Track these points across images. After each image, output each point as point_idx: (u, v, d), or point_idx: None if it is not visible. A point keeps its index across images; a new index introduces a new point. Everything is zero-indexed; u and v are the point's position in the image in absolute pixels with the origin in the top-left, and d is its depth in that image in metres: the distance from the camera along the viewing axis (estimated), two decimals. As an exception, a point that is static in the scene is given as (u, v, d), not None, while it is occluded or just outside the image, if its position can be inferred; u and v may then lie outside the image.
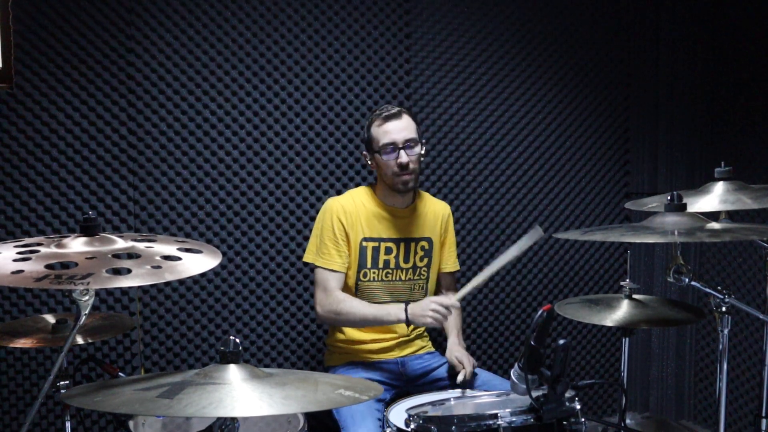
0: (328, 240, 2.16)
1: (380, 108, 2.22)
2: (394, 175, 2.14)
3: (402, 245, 2.23)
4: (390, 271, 2.22)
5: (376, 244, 2.20)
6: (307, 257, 2.22)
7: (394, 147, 2.12)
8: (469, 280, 2.80)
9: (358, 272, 2.20)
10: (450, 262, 2.38)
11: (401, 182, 2.15)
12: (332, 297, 2.14)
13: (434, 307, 2.03)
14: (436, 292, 2.37)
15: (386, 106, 2.20)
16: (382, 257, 2.21)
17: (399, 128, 2.14)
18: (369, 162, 2.24)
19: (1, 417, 2.33)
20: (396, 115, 2.15)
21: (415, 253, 2.26)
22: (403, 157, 2.12)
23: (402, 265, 2.24)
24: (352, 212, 2.19)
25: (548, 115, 2.93)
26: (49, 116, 2.30)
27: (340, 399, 1.24)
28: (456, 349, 2.21)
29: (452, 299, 2.08)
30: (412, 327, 2.26)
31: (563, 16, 2.92)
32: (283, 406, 1.15)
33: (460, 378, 2.10)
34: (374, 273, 2.21)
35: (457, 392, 2.00)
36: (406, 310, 2.07)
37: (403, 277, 2.24)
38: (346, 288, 2.20)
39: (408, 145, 2.13)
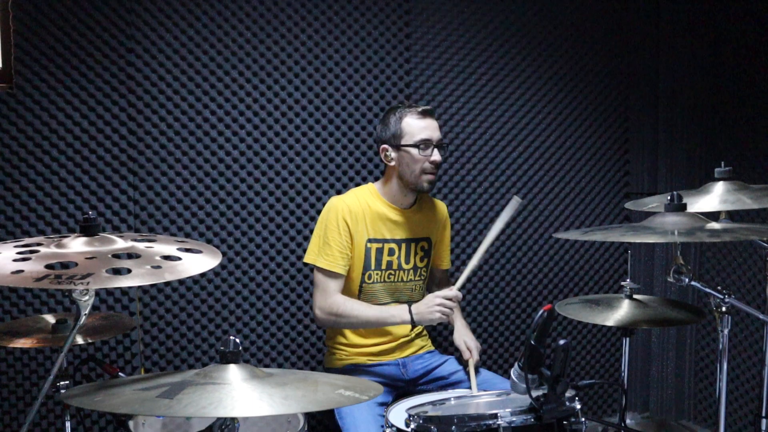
0: (332, 241, 2.13)
1: (404, 103, 2.18)
2: (422, 172, 2.12)
3: (404, 246, 2.23)
4: (392, 272, 2.22)
5: (380, 245, 2.19)
6: (308, 258, 2.17)
7: (429, 144, 2.11)
8: (474, 285, 2.83)
9: (363, 274, 2.18)
10: (445, 260, 2.40)
11: (427, 180, 2.14)
12: (332, 299, 2.11)
13: (439, 301, 2.02)
14: (428, 287, 2.37)
15: (412, 102, 2.17)
16: (385, 258, 2.20)
17: (435, 126, 2.15)
18: (391, 156, 2.16)
19: (1, 417, 2.33)
20: (432, 113, 2.16)
21: (416, 253, 2.25)
22: (437, 155, 2.12)
23: (404, 266, 2.23)
24: (357, 213, 2.16)
25: (548, 115, 2.93)
26: (49, 116, 2.30)
27: (340, 399, 1.24)
28: (465, 332, 2.22)
29: (453, 290, 2.06)
30: (411, 327, 2.25)
31: (563, 16, 2.92)
32: (283, 406, 1.15)
33: (472, 364, 2.11)
34: (377, 274, 2.20)
35: (458, 392, 2.01)
36: (410, 312, 2.06)
37: (404, 278, 2.24)
38: (348, 290, 2.17)
39: (441, 144, 2.14)
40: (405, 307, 2.08)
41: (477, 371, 2.15)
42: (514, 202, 2.12)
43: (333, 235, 2.13)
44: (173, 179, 2.45)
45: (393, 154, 2.16)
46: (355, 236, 2.15)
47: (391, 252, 2.21)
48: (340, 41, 2.60)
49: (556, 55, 2.92)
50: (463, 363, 2.20)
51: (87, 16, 2.30)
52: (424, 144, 2.11)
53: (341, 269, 2.13)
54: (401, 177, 2.16)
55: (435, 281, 2.41)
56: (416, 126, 2.12)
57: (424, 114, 2.13)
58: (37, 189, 2.30)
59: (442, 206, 2.38)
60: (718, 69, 2.92)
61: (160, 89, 2.41)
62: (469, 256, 2.83)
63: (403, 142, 2.13)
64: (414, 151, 2.11)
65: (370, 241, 2.17)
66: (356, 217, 2.16)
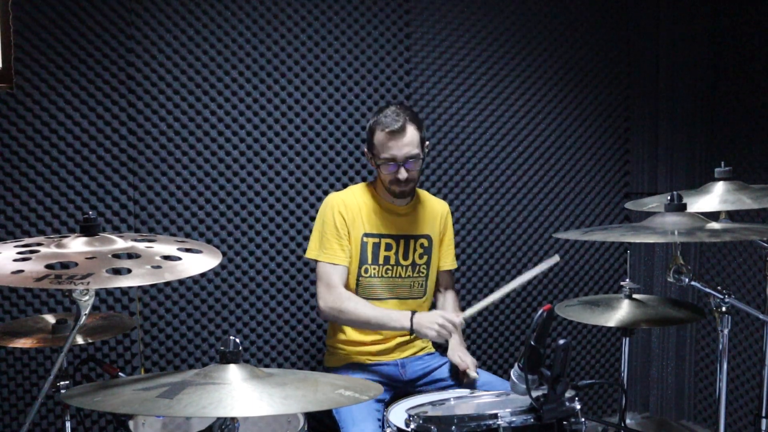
0: (330, 234, 2.16)
1: (385, 113, 2.11)
2: (390, 183, 2.15)
3: (402, 242, 2.23)
4: (390, 267, 2.22)
5: (377, 240, 2.20)
6: (310, 253, 2.20)
7: (393, 162, 2.11)
8: (474, 285, 2.83)
9: (359, 268, 2.19)
10: (448, 261, 2.39)
11: (398, 191, 2.17)
12: (336, 293, 2.13)
13: (442, 322, 2.01)
14: (435, 291, 2.37)
15: (392, 116, 2.09)
16: (383, 253, 2.21)
17: (401, 145, 2.09)
18: (369, 159, 2.22)
19: (1, 417, 2.33)
20: (399, 132, 2.07)
21: (415, 250, 2.26)
22: (402, 173, 2.11)
23: (402, 261, 2.23)
24: (352, 207, 2.19)
25: (548, 115, 2.93)
26: (49, 116, 2.30)
27: (340, 399, 1.24)
28: (458, 349, 2.21)
29: (459, 318, 2.06)
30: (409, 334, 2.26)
31: (563, 16, 2.92)
32: (283, 406, 1.15)
33: (473, 374, 2.10)
34: (375, 269, 2.21)
35: (458, 392, 2.00)
36: (411, 320, 2.05)
37: (402, 274, 2.24)
38: (346, 283, 2.18)
39: (408, 161, 2.11)
40: (408, 314, 2.08)
41: (474, 381, 2.13)
42: (553, 260, 2.06)
43: (330, 229, 2.16)
44: (173, 179, 2.45)
45: (371, 159, 2.20)
46: (351, 229, 2.17)
47: (388, 247, 2.22)
48: (340, 41, 2.60)
49: (556, 55, 2.92)
50: (458, 376, 2.18)
51: (87, 16, 2.30)
52: (388, 163, 2.11)
53: (342, 260, 2.15)
54: (381, 181, 2.21)
55: (441, 287, 2.39)
56: (381, 144, 2.10)
57: (390, 134, 2.07)
58: (37, 189, 2.30)
59: (441, 204, 2.39)
60: (718, 69, 2.92)
61: (160, 89, 2.41)
62: (469, 256, 2.84)
63: (374, 153, 2.16)
64: (379, 168, 2.15)
65: (366, 235, 2.19)
66: (352, 211, 2.18)
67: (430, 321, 2.03)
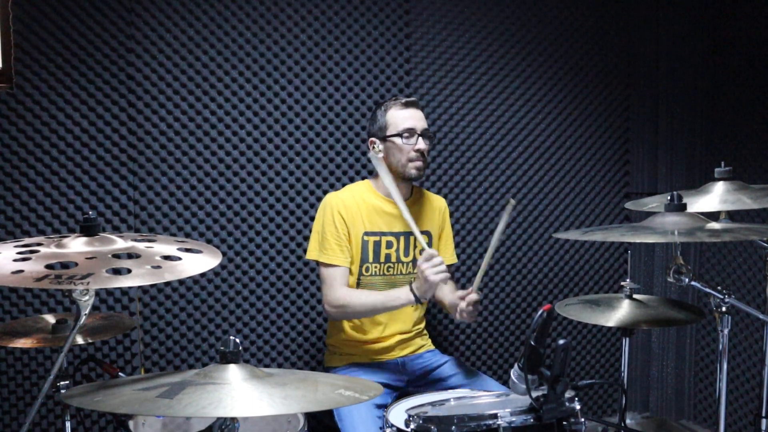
0: (330, 235, 2.16)
1: (391, 97, 2.25)
2: (408, 161, 2.16)
3: (402, 239, 2.24)
4: (391, 265, 2.23)
5: (378, 238, 2.21)
6: (310, 255, 2.21)
7: (413, 132, 2.15)
8: (471, 276, 2.83)
9: (361, 266, 2.20)
10: (448, 255, 2.39)
11: (414, 167, 2.17)
12: (339, 292, 2.15)
13: (424, 266, 1.99)
14: None
15: (398, 95, 2.24)
16: (384, 251, 2.22)
17: (419, 116, 2.19)
18: (379, 148, 2.21)
19: (1, 417, 2.33)
20: (415, 104, 2.21)
21: (415, 246, 2.26)
22: (421, 143, 2.16)
23: (402, 258, 2.24)
24: (352, 207, 2.19)
25: (548, 115, 2.93)
26: (49, 116, 2.30)
27: (340, 399, 1.24)
28: (456, 301, 2.15)
29: (428, 249, 2.03)
30: (413, 321, 2.28)
31: (563, 15, 2.92)
32: (283, 406, 1.15)
33: (473, 296, 2.10)
34: (376, 267, 2.21)
35: (458, 392, 2.00)
36: (412, 291, 2.05)
37: (403, 271, 2.25)
38: (347, 283, 2.19)
39: (425, 133, 2.18)
40: (406, 287, 2.08)
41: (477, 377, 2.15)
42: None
43: (330, 230, 2.16)
44: (173, 179, 2.45)
45: (380, 146, 2.21)
46: (351, 229, 2.18)
47: (389, 245, 2.22)
48: (340, 41, 2.60)
49: (556, 55, 2.92)
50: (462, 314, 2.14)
51: (87, 16, 2.30)
52: (408, 133, 2.15)
53: (342, 261, 2.16)
54: (390, 168, 2.18)
55: None
56: (400, 116, 2.17)
57: (408, 105, 2.19)
58: (37, 189, 2.30)
59: (439, 200, 2.39)
60: (718, 69, 2.92)
61: (160, 89, 2.41)
62: (469, 256, 2.84)
63: (388, 133, 2.18)
64: (398, 140, 2.16)
65: (366, 234, 2.19)
66: (351, 210, 2.19)
67: (420, 278, 2.01)
